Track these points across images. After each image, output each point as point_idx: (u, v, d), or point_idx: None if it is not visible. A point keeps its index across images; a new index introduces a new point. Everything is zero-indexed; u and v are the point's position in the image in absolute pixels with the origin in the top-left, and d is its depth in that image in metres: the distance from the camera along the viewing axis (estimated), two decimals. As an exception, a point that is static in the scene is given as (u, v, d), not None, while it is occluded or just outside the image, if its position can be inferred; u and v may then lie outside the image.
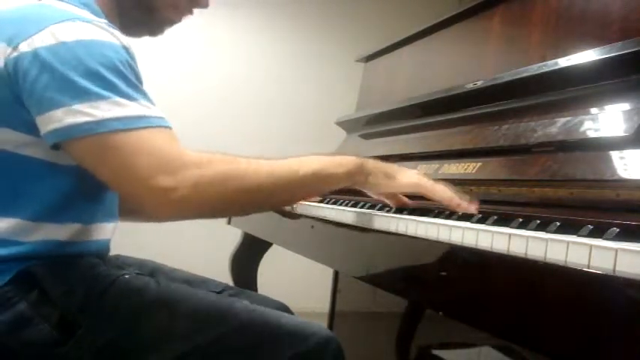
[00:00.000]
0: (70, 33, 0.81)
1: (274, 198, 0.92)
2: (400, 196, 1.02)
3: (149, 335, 0.88)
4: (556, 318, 0.58)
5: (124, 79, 0.82)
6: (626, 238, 0.62)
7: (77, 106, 0.79)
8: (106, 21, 0.87)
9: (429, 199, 0.94)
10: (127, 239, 1.56)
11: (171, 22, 1.05)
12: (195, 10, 1.06)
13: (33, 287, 0.85)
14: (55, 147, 0.82)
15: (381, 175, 0.96)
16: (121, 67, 0.83)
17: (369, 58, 1.88)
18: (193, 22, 3.91)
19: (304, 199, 1.01)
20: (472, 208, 0.89)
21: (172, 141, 0.83)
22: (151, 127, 0.82)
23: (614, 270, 0.53)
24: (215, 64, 3.64)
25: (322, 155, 0.95)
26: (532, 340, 0.61)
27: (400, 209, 1.02)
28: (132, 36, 1.04)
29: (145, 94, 0.85)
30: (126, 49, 0.86)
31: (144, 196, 0.80)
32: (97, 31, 0.83)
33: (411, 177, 0.97)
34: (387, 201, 1.04)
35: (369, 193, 1.02)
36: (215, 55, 3.65)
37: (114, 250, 1.06)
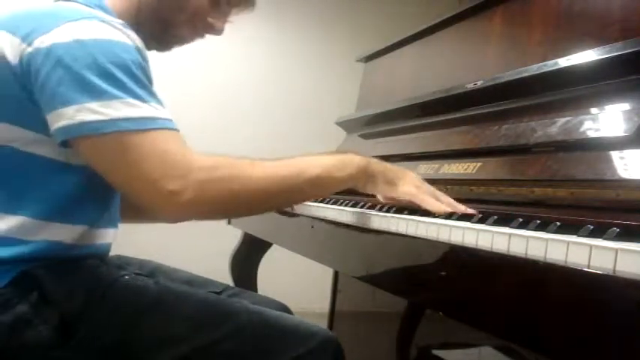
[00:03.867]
0: (85, 31, 0.82)
1: (278, 200, 0.94)
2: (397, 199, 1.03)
3: (149, 336, 0.88)
4: (556, 318, 0.58)
5: (137, 80, 0.83)
6: (626, 238, 0.62)
7: (89, 104, 0.79)
8: (122, 21, 0.87)
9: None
10: (128, 239, 1.56)
11: (182, 41, 1.07)
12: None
13: (33, 289, 0.85)
14: (64, 144, 0.83)
15: (382, 180, 0.98)
16: (134, 69, 0.83)
17: (369, 58, 1.88)
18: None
19: (308, 200, 1.02)
20: (469, 211, 0.90)
21: (180, 144, 0.84)
22: (161, 129, 0.83)
23: (614, 270, 0.53)
24: (215, 64, 3.64)
25: (327, 154, 0.96)
26: (532, 340, 0.61)
27: (400, 209, 1.02)
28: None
29: (155, 96, 0.85)
30: (139, 50, 0.86)
31: (151, 198, 0.82)
32: (113, 32, 0.84)
33: (409, 189, 0.98)
34: (383, 200, 1.07)
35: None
36: (215, 55, 3.65)
37: (114, 250, 1.06)
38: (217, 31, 1.08)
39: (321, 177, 0.92)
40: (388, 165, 1.01)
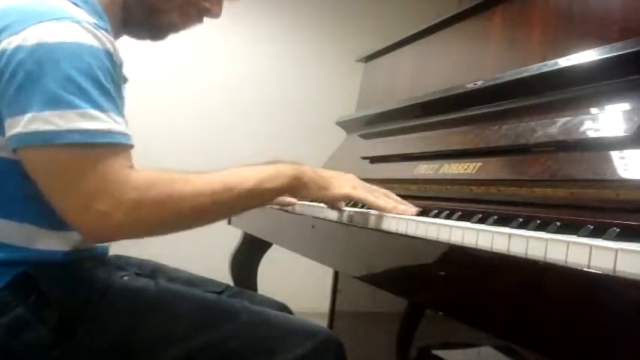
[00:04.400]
0: (53, 34, 0.78)
1: (211, 215, 0.91)
2: (338, 202, 1.07)
3: (148, 337, 0.88)
4: (556, 318, 0.58)
5: (100, 87, 0.80)
6: (626, 238, 0.62)
7: (45, 114, 0.76)
8: (95, 21, 0.83)
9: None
10: (128, 240, 1.56)
11: (176, 28, 1.03)
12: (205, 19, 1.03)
13: (31, 290, 0.84)
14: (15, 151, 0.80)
15: (315, 187, 0.98)
16: (99, 75, 0.80)
17: (369, 58, 1.88)
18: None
19: (245, 211, 1.00)
20: (411, 210, 0.97)
21: (123, 161, 0.81)
22: (110, 144, 0.80)
23: (614, 270, 0.53)
24: (215, 64, 3.64)
25: (260, 165, 0.95)
26: (532, 340, 0.61)
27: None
28: (133, 37, 1.03)
29: (117, 106, 0.83)
30: (109, 54, 0.83)
31: (79, 216, 0.80)
32: (82, 34, 0.80)
33: (342, 188, 1.00)
34: (326, 205, 1.09)
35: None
36: (215, 55, 3.65)
37: (115, 251, 1.06)
38: (214, 14, 1.02)
39: (254, 190, 0.91)
40: (323, 171, 1.02)
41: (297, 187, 0.96)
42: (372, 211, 1.03)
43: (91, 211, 0.78)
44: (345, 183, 1.01)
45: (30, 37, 0.78)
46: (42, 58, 0.77)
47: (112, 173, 0.79)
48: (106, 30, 0.84)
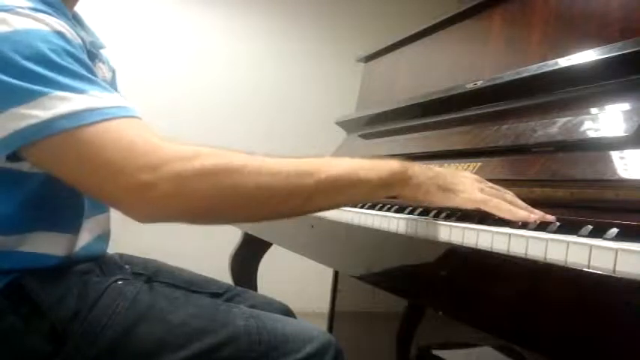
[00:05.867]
0: None
1: (276, 203, 0.76)
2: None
3: (143, 344, 0.84)
4: (556, 318, 0.58)
5: (62, 69, 0.72)
6: (626, 238, 0.62)
7: (15, 110, 0.70)
8: (31, 5, 0.76)
9: None
10: (129, 239, 1.56)
11: None
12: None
13: (22, 299, 0.81)
14: (13, 158, 0.75)
15: (434, 186, 0.83)
16: (55, 57, 0.72)
17: (369, 58, 1.88)
18: (192, 21, 3.92)
19: (321, 209, 0.82)
20: (547, 218, 0.79)
21: (143, 131, 0.72)
22: (107, 119, 0.71)
23: (614, 270, 0.53)
24: (215, 63, 3.64)
25: (360, 159, 0.81)
26: (532, 340, 0.61)
27: (401, 208, 1.02)
28: None
29: (94, 83, 0.74)
30: (59, 34, 0.75)
31: (117, 192, 0.70)
32: (20, 21, 0.73)
33: (472, 194, 0.82)
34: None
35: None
36: (214, 54, 3.65)
37: (117, 250, 1.05)
38: None
39: (344, 177, 0.77)
40: (438, 169, 0.87)
41: (400, 184, 0.81)
42: (372, 211, 1.03)
43: (129, 185, 0.68)
44: (472, 186, 0.84)
45: None
46: None
47: (135, 142, 0.70)
48: (45, 12, 0.77)
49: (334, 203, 0.82)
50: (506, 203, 0.81)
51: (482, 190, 0.84)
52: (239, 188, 0.72)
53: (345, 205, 0.85)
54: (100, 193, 0.73)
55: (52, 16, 0.77)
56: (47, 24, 0.75)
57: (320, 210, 0.84)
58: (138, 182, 0.68)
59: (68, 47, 0.75)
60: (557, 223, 0.75)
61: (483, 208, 0.82)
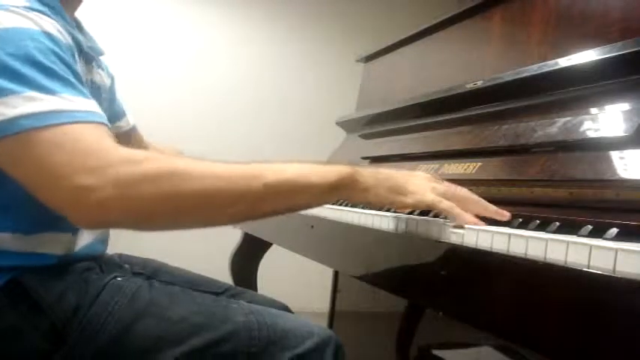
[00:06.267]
0: None
1: (219, 207, 0.74)
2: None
3: (143, 339, 0.85)
4: (556, 318, 0.58)
5: (43, 69, 0.73)
6: (626, 238, 0.62)
7: None
8: (25, 4, 0.77)
9: None
10: (128, 239, 1.56)
11: None
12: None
13: (22, 296, 0.82)
14: None
15: (383, 189, 0.82)
16: (38, 56, 0.73)
17: (369, 58, 1.88)
18: (192, 21, 3.92)
19: (269, 214, 0.80)
20: (505, 215, 0.82)
21: (99, 136, 0.72)
22: (73, 122, 0.71)
23: (614, 270, 0.53)
24: (214, 63, 3.64)
25: (308, 162, 0.81)
26: (532, 340, 0.61)
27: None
28: None
29: (71, 86, 0.75)
30: (48, 35, 0.76)
31: (61, 197, 0.70)
32: (11, 19, 0.74)
33: (424, 194, 0.82)
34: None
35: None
36: (213, 54, 3.65)
37: (116, 250, 1.05)
38: None
39: (292, 182, 0.77)
40: (388, 170, 0.86)
41: (347, 187, 0.81)
42: (371, 211, 1.03)
43: (73, 189, 0.68)
44: (424, 186, 0.83)
45: None
46: None
47: (87, 146, 0.70)
48: (40, 11, 0.79)
49: (283, 207, 0.80)
50: (457, 207, 0.81)
51: (434, 189, 0.83)
52: (181, 192, 0.71)
53: (295, 211, 0.84)
54: (44, 196, 0.72)
55: (47, 15, 0.78)
56: (37, 23, 0.76)
57: (268, 215, 0.81)
58: (77, 185, 0.68)
59: (55, 48, 0.76)
60: (520, 219, 0.76)
61: (434, 209, 0.83)
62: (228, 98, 3.64)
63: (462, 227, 0.76)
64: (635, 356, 0.49)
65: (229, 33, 3.68)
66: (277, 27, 3.76)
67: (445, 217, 0.87)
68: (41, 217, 0.82)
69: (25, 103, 0.70)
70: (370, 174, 0.83)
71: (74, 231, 0.90)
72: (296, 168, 0.78)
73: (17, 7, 0.76)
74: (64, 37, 0.79)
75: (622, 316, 0.51)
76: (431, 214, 0.94)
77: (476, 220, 0.79)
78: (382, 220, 0.94)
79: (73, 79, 0.76)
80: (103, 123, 0.74)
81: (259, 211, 0.79)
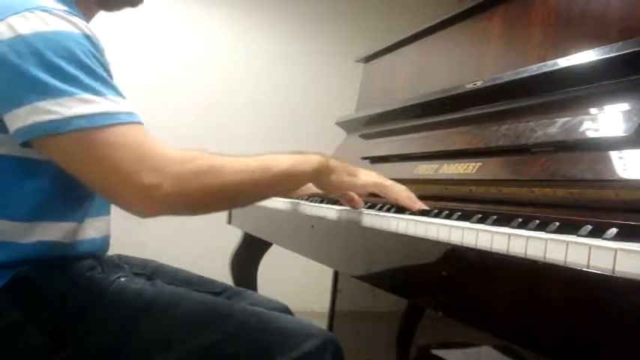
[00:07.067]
0: (27, 25, 0.77)
1: (249, 194, 0.94)
2: (355, 197, 1.07)
3: (145, 339, 0.86)
4: (556, 318, 0.58)
5: (88, 71, 0.79)
6: (626, 238, 0.62)
7: (40, 104, 0.76)
8: (66, 8, 0.82)
9: (384, 197, 1.04)
10: (128, 239, 1.56)
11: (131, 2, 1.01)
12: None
13: (27, 293, 0.83)
14: (25, 145, 0.80)
15: (344, 173, 1.00)
16: (85, 59, 0.79)
17: (369, 58, 1.88)
18: (191, 21, 3.92)
19: (277, 195, 1.03)
20: (420, 205, 0.99)
21: (144, 136, 0.81)
22: (121, 123, 0.79)
23: (613, 270, 0.53)
24: (214, 63, 3.64)
25: (287, 153, 0.97)
26: (532, 340, 0.61)
27: (401, 209, 1.02)
28: (112, 9, 1.02)
29: (113, 88, 0.81)
30: (89, 38, 0.81)
31: (127, 193, 0.79)
32: (57, 22, 0.79)
33: (371, 176, 1.03)
34: (343, 201, 1.09)
35: (328, 194, 1.12)
36: (214, 54, 3.65)
37: (116, 250, 1.06)
38: None
39: (288, 172, 0.94)
40: (346, 163, 1.04)
41: (324, 172, 0.98)
42: (372, 211, 1.03)
43: (138, 186, 0.78)
44: (373, 174, 1.04)
45: (5, 30, 0.77)
46: (23, 50, 0.76)
47: (145, 146, 0.80)
48: (77, 16, 0.83)
49: (279, 192, 1.08)
50: (400, 186, 1.02)
51: (379, 178, 1.03)
52: (221, 184, 0.86)
53: (289, 192, 1.10)
54: (107, 190, 0.82)
55: (100, 8, 0.86)
56: (79, 27, 0.81)
57: (268, 198, 1.07)
58: (146, 182, 0.78)
59: (94, 51, 0.81)
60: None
61: (379, 187, 1.02)
62: (228, 98, 3.64)
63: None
64: (635, 356, 0.49)
65: (229, 32, 3.68)
66: (277, 27, 3.76)
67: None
68: (48, 205, 0.86)
69: (80, 104, 0.77)
70: (335, 161, 1.01)
71: (79, 220, 0.91)
72: (287, 158, 0.95)
73: (60, 10, 0.81)
74: (98, 40, 0.84)
75: (622, 316, 0.51)
76: (432, 214, 0.94)
77: (412, 202, 1.00)
78: (383, 221, 0.94)
79: (111, 81, 0.82)
80: (141, 122, 0.82)
81: (265, 196, 1.02)
